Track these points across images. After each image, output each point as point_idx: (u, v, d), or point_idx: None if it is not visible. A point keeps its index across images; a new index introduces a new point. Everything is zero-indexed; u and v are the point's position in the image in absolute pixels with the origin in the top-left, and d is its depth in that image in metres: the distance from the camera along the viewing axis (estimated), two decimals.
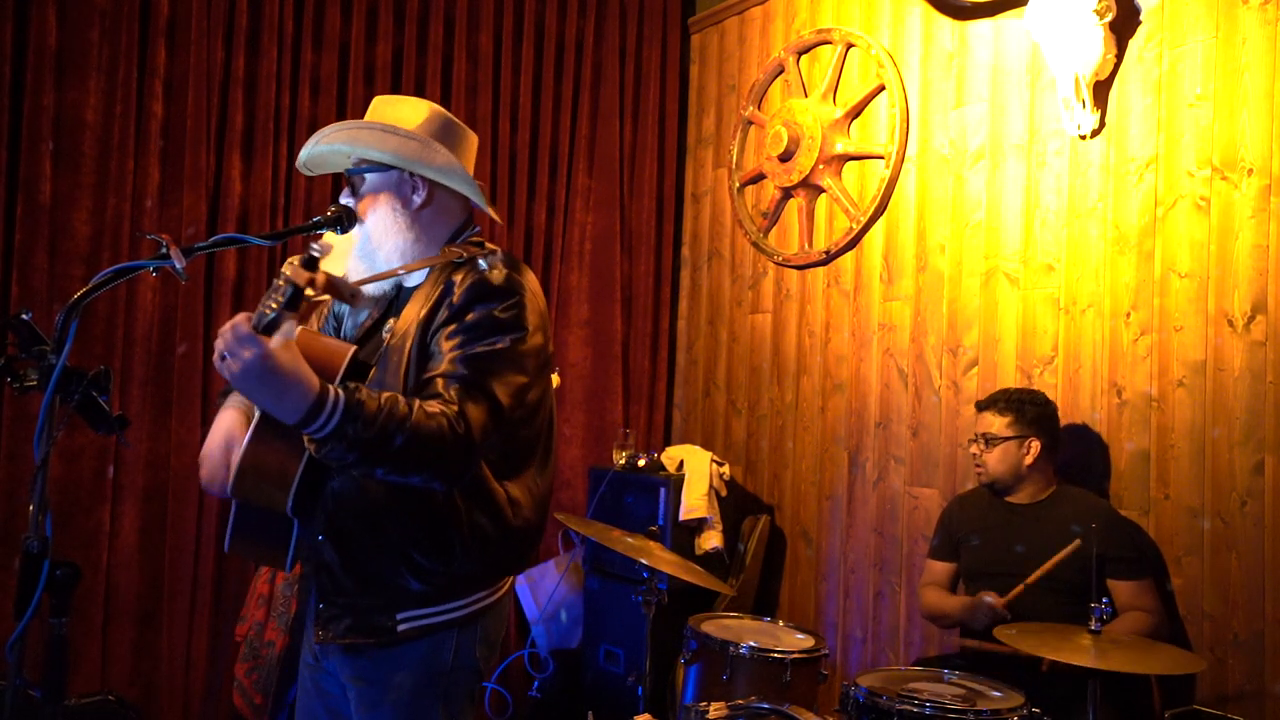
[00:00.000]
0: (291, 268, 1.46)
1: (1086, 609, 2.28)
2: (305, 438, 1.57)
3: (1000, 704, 2.27)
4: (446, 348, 1.71)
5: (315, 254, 1.49)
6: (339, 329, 1.99)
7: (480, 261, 1.75)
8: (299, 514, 1.72)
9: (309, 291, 1.49)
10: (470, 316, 1.73)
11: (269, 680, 3.30)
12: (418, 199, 1.86)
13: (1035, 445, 2.83)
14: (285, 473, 1.68)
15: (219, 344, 1.49)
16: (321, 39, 3.88)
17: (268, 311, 1.46)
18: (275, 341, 1.47)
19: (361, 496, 1.76)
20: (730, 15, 4.47)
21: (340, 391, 1.54)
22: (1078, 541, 2.59)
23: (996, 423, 2.86)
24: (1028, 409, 2.85)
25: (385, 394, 1.59)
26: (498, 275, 1.74)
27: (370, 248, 1.83)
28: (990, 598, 2.71)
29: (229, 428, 1.83)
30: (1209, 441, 2.71)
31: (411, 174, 1.86)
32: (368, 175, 1.85)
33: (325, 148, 1.88)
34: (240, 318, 1.48)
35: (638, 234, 4.57)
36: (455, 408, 1.63)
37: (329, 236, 1.86)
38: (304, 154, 1.91)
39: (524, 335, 1.75)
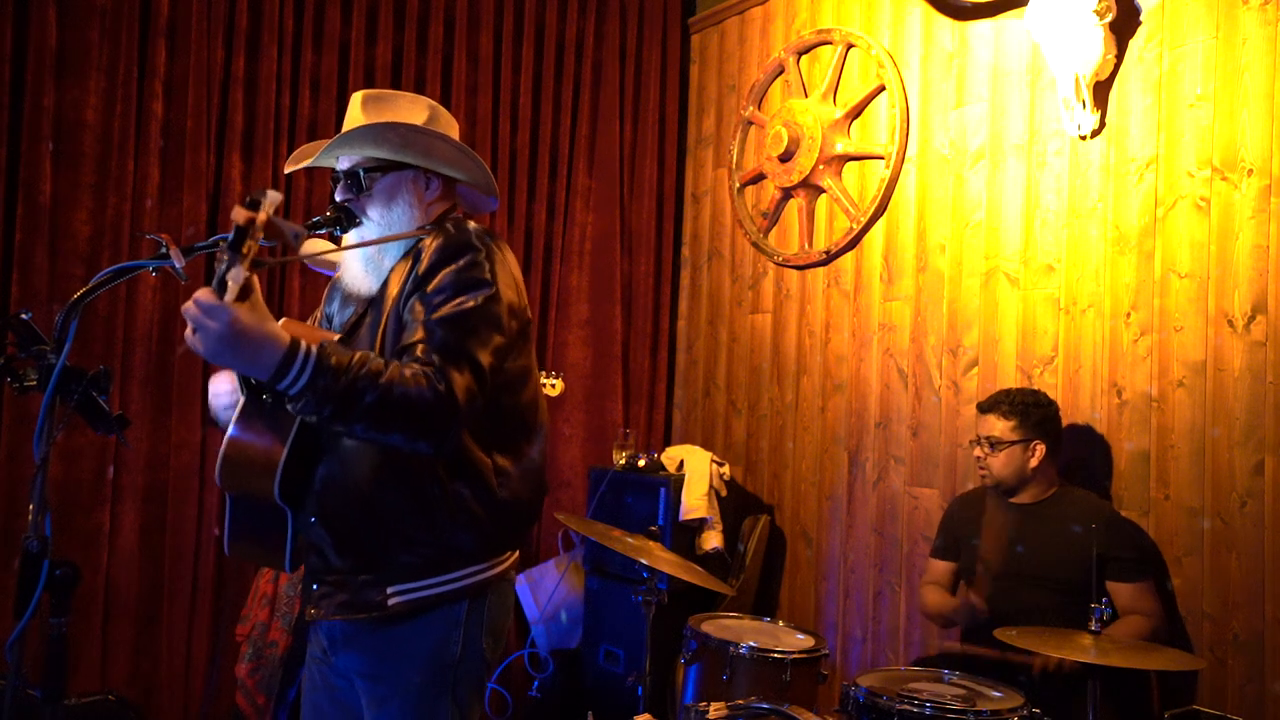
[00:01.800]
0: (234, 211, 1.45)
1: (1087, 610, 2.28)
2: (282, 395, 1.56)
3: (1000, 704, 2.27)
4: (419, 313, 1.70)
5: (258, 197, 1.48)
6: (330, 327, 1.99)
7: (447, 225, 1.77)
8: (288, 501, 1.71)
9: (252, 238, 1.46)
10: (438, 277, 1.72)
11: (272, 680, 3.30)
12: (430, 195, 1.87)
13: (1040, 448, 2.82)
14: (270, 459, 1.68)
15: (188, 321, 1.47)
16: (321, 39, 3.88)
17: (219, 267, 1.46)
18: (230, 292, 1.45)
19: (349, 476, 1.76)
20: (730, 15, 4.47)
21: (313, 347, 1.53)
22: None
23: (1001, 426, 2.84)
24: (1033, 412, 2.83)
25: (360, 352, 1.59)
26: (461, 233, 1.75)
27: (384, 247, 1.83)
28: (976, 598, 2.73)
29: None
30: (1209, 441, 2.71)
31: (427, 171, 1.85)
32: (381, 174, 1.83)
33: (343, 148, 1.85)
34: (201, 290, 1.46)
35: (638, 234, 4.57)
36: (434, 369, 1.63)
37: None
38: (316, 160, 1.89)
39: (494, 291, 1.74)
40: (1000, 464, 2.84)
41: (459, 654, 1.80)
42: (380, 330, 1.77)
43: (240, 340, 1.46)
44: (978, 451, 2.90)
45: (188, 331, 1.48)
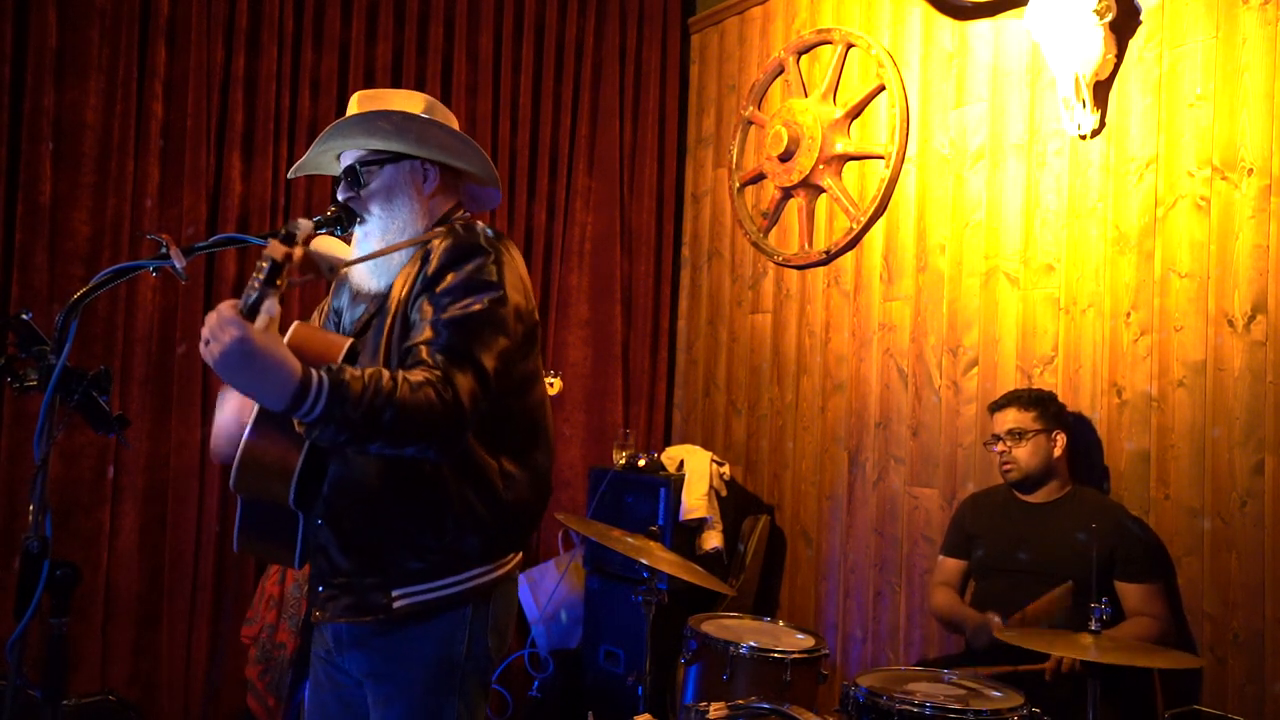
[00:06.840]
0: (270, 245, 1.45)
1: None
2: (295, 422, 1.56)
3: (1000, 704, 2.27)
4: (426, 313, 1.70)
5: (293, 230, 1.48)
6: (339, 325, 1.98)
7: (456, 227, 1.76)
8: (301, 506, 1.71)
9: (287, 269, 1.47)
10: (446, 279, 1.72)
11: (281, 682, 3.30)
12: (429, 186, 1.86)
13: (1062, 438, 2.85)
14: (286, 465, 1.67)
15: (204, 329, 1.47)
16: (321, 39, 3.88)
17: (250, 293, 1.45)
18: (260, 322, 1.45)
19: (356, 479, 1.76)
20: (730, 15, 4.47)
21: (324, 374, 1.51)
22: (1070, 584, 2.56)
23: (1023, 417, 2.86)
24: (1050, 404, 2.88)
25: (369, 370, 1.57)
26: (471, 235, 1.75)
27: (389, 241, 1.81)
28: (995, 621, 2.69)
29: (240, 401, 1.79)
30: (1209, 441, 2.71)
31: (424, 161, 1.85)
32: (381, 168, 1.83)
33: (338, 142, 1.85)
34: (226, 304, 1.46)
35: (638, 234, 4.57)
36: (440, 374, 1.62)
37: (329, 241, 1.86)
38: (311, 153, 1.88)
39: (501, 294, 1.73)
40: (1027, 454, 2.85)
41: (465, 652, 1.80)
42: (386, 332, 1.76)
43: (251, 361, 1.44)
44: (1000, 448, 2.89)
45: (201, 342, 1.48)
